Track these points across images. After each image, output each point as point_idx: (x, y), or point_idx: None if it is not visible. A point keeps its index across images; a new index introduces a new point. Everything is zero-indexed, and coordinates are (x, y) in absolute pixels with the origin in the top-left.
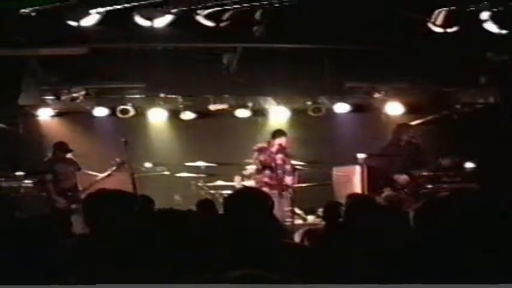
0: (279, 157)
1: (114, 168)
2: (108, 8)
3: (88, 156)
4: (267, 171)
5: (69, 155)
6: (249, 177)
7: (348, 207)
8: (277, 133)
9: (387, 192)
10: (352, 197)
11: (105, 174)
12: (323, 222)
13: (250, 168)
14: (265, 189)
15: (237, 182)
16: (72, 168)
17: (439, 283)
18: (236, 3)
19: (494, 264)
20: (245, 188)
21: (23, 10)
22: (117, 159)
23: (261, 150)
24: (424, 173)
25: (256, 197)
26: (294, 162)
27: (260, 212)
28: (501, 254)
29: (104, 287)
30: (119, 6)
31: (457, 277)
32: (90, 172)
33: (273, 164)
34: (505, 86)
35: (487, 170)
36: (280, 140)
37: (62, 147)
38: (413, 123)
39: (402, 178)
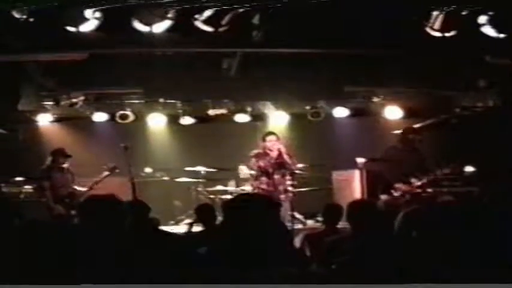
0: (279, 162)
1: (106, 173)
2: (107, 8)
3: (87, 162)
4: (264, 178)
5: (66, 165)
6: (246, 180)
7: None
8: (266, 134)
9: (385, 197)
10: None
11: (97, 179)
12: (323, 227)
13: (244, 171)
14: None
15: (233, 186)
16: (68, 176)
17: (439, 283)
18: (235, 8)
19: (494, 264)
20: (249, 193)
21: (21, 15)
22: (109, 164)
23: (258, 156)
24: (423, 181)
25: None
26: (292, 165)
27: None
28: (501, 254)
29: (103, 287)
30: (118, 5)
31: (457, 277)
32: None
33: (270, 170)
34: (505, 89)
35: (486, 174)
36: (271, 139)
37: (60, 153)
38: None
39: (401, 187)
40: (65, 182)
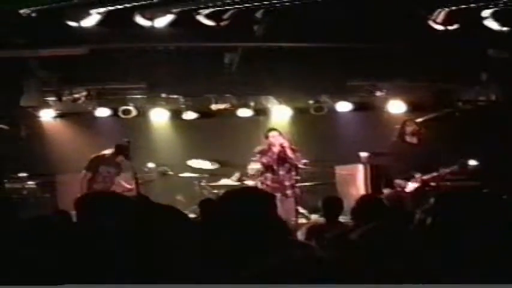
0: (282, 157)
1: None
2: (109, 7)
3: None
4: (269, 174)
5: (120, 158)
6: (252, 176)
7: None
8: (269, 130)
9: (387, 191)
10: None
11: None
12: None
13: (252, 167)
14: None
15: (235, 179)
16: (113, 171)
17: (439, 283)
18: (237, 2)
19: (495, 264)
20: (245, 187)
21: (23, 11)
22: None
23: (262, 153)
24: (427, 177)
25: (256, 195)
26: (295, 160)
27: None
28: (501, 254)
29: (103, 287)
30: (120, 6)
31: (457, 277)
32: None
33: (275, 166)
34: (507, 83)
35: (489, 168)
36: (273, 135)
37: (124, 149)
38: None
39: (403, 183)
40: (105, 178)
